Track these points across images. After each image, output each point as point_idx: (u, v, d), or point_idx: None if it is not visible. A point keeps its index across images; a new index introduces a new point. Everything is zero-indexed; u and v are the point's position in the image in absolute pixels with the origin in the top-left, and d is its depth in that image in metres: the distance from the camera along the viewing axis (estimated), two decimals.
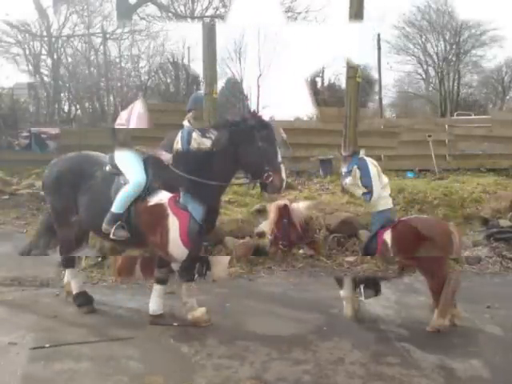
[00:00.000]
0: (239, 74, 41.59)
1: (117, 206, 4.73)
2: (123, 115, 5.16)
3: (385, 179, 4.98)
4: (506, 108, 31.44)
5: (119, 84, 21.60)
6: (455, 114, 23.85)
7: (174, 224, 4.48)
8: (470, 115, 21.96)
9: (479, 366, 4.06)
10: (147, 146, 4.99)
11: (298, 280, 6.48)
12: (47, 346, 4.48)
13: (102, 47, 21.97)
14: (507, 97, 39.41)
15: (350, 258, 6.79)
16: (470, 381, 3.86)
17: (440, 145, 13.23)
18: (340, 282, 4.89)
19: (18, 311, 5.37)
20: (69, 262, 5.50)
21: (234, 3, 22.60)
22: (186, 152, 4.89)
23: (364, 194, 4.73)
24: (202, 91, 5.42)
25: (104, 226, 4.76)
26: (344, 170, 5.01)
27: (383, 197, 4.85)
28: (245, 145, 4.71)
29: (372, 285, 4.79)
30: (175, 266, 4.96)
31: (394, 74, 47.16)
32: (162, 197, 4.58)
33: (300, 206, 4.98)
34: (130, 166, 4.87)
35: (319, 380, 3.90)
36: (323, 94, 25.58)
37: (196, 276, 5.19)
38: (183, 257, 4.65)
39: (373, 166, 4.82)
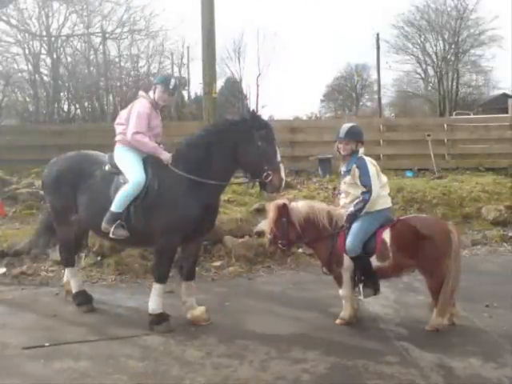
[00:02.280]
0: (238, 73, 41.79)
1: (116, 205, 4.74)
2: (122, 114, 5.17)
3: (384, 178, 4.99)
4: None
5: (118, 83, 21.60)
6: (454, 113, 23.88)
7: None
8: (469, 114, 22.01)
9: (478, 364, 4.07)
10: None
11: (297, 279, 6.50)
12: (47, 344, 4.50)
13: (101, 47, 21.98)
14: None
15: (217, 263, 6.93)
16: (469, 379, 3.86)
17: (439, 144, 13.24)
18: (339, 281, 4.89)
19: (17, 310, 5.38)
20: (68, 261, 5.50)
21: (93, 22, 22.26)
22: (186, 151, 4.90)
23: (363, 193, 4.74)
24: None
25: (103, 225, 4.77)
26: (343, 169, 5.01)
27: (382, 196, 4.86)
28: (244, 144, 4.72)
29: (371, 284, 4.79)
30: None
31: (393, 74, 47.40)
32: None
33: (299, 205, 4.98)
34: (130, 166, 4.88)
35: (318, 379, 3.91)
36: (190, 107, 25.75)
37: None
38: None
39: (372, 165, 4.83)
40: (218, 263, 6.91)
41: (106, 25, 22.09)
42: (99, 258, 6.78)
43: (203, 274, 6.58)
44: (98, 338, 4.66)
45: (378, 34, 28.38)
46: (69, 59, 22.75)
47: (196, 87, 40.59)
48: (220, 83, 36.20)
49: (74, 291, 5.44)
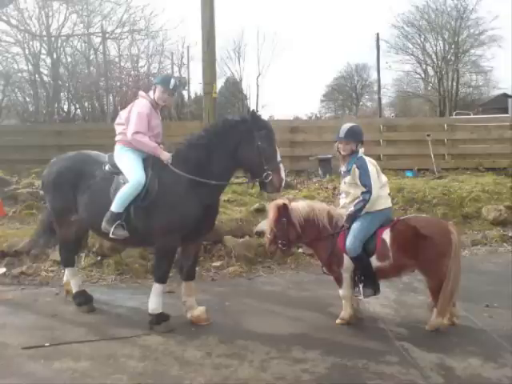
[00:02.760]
0: (238, 73, 41.82)
1: (116, 206, 4.74)
2: (122, 114, 5.16)
3: (384, 178, 4.99)
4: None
5: (118, 83, 21.62)
6: (454, 113, 23.87)
7: None
8: (469, 114, 22.01)
9: (478, 364, 4.07)
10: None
11: (297, 279, 6.49)
12: (47, 344, 4.50)
13: (101, 47, 22.00)
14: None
15: (217, 263, 6.92)
16: (469, 380, 3.86)
17: (439, 144, 13.25)
18: (339, 281, 4.89)
19: (17, 310, 5.37)
20: (68, 261, 5.49)
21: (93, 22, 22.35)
22: (186, 151, 4.89)
23: (363, 193, 4.74)
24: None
25: (103, 225, 4.77)
26: (343, 169, 5.01)
27: (382, 196, 4.86)
28: (244, 144, 4.72)
29: (371, 284, 4.79)
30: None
31: (393, 74, 47.44)
32: None
33: (299, 205, 4.98)
34: (130, 166, 4.88)
35: (318, 379, 3.91)
36: (190, 107, 25.77)
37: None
38: None
39: (372, 165, 4.82)
40: (218, 263, 6.91)
41: (106, 25, 22.17)
42: (99, 258, 6.77)
43: (203, 274, 6.57)
44: (98, 338, 4.66)
45: (377, 34, 28.31)
46: (69, 59, 22.82)
47: (196, 87, 40.67)
48: (220, 83, 36.27)
49: (74, 291, 5.44)
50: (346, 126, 4.96)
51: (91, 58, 22.97)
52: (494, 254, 7.60)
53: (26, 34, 20.74)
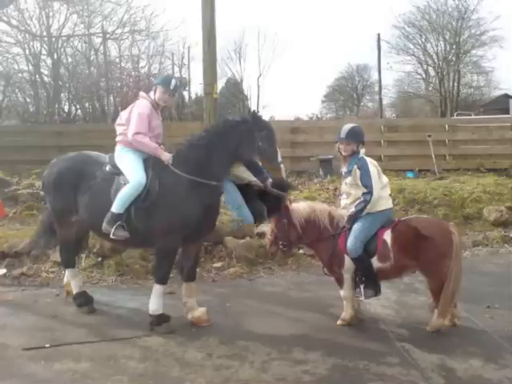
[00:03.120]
0: (239, 74, 41.86)
1: (117, 206, 4.73)
2: (123, 115, 5.16)
3: (385, 179, 4.98)
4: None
5: (119, 84, 21.64)
6: (455, 113, 23.85)
7: None
8: (470, 115, 22.01)
9: (479, 365, 4.06)
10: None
11: (297, 280, 6.48)
12: (47, 345, 4.49)
13: (101, 47, 22.01)
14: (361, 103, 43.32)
15: (218, 264, 6.91)
16: (470, 381, 3.85)
17: (440, 145, 13.23)
18: (340, 282, 4.89)
19: (18, 311, 5.37)
20: (69, 262, 5.49)
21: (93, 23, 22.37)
22: (187, 152, 4.88)
23: (364, 193, 4.73)
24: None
25: (104, 225, 4.76)
26: (344, 169, 5.01)
27: (383, 197, 4.85)
28: (245, 145, 4.72)
29: (372, 285, 4.78)
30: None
31: (394, 74, 47.48)
32: None
33: (300, 206, 4.98)
34: (130, 166, 4.87)
35: (319, 380, 3.90)
36: (191, 108, 25.77)
37: None
38: None
39: (373, 165, 4.82)
40: (218, 264, 6.90)
41: (106, 25, 22.15)
42: (100, 259, 6.76)
43: (204, 275, 6.56)
44: (99, 339, 4.65)
45: (378, 35, 28.33)
46: (69, 60, 22.82)
47: (197, 88, 40.67)
48: (221, 84, 36.30)
49: (74, 292, 5.44)
50: (347, 126, 4.95)
51: (92, 58, 22.98)
52: (495, 255, 7.59)
53: (27, 35, 20.76)
